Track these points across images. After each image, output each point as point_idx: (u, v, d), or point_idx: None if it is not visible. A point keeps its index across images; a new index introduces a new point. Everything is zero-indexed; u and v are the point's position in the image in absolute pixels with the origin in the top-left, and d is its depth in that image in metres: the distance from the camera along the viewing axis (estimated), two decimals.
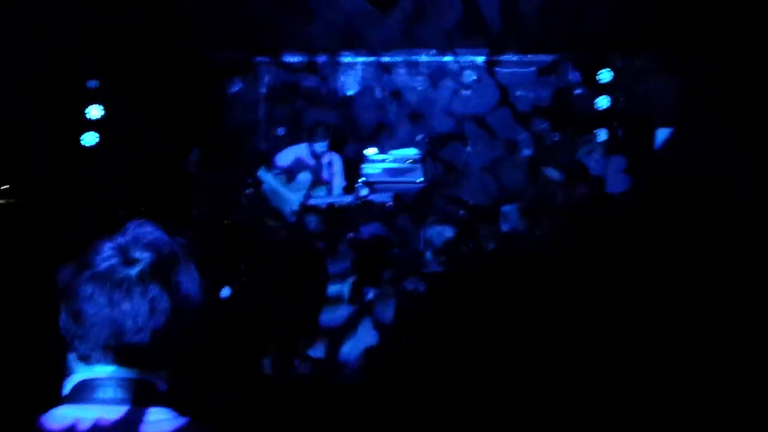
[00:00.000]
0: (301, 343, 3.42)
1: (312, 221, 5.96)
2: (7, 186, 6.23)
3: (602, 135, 7.79)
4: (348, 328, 3.29)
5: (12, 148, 6.07)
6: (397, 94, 8.47)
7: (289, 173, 6.83)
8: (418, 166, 7.80)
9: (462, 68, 8.20)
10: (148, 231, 1.52)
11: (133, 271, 1.44)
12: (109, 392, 1.39)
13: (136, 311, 1.41)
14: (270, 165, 7.00)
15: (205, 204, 6.95)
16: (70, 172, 6.69)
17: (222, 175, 7.26)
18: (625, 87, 7.88)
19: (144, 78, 7.42)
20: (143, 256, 1.46)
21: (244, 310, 3.69)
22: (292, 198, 6.70)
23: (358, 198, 6.72)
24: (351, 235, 5.67)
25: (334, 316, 3.62)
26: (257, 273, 4.72)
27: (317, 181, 6.94)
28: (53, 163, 6.56)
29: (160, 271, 1.46)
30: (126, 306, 1.41)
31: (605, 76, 7.98)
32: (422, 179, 7.74)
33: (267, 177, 6.76)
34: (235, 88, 8.41)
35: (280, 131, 7.73)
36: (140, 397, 1.40)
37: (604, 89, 7.97)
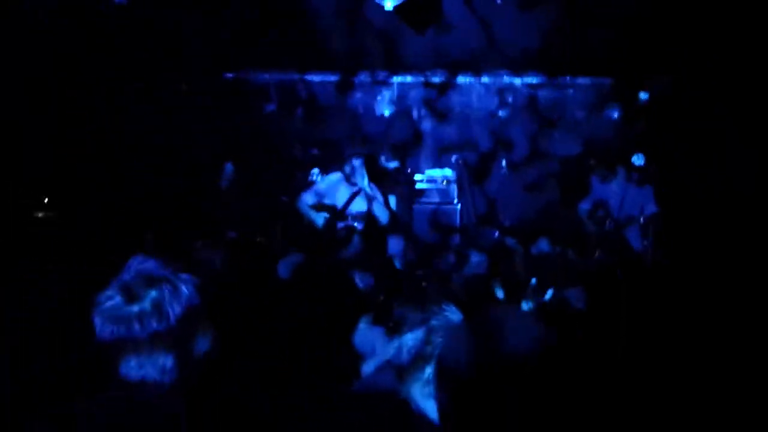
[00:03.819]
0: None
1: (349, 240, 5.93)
2: (46, 199, 6.33)
3: (639, 160, 7.68)
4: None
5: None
6: (432, 114, 8.47)
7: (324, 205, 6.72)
8: (453, 186, 7.78)
9: (499, 90, 8.17)
10: (151, 268, 1.57)
11: (134, 309, 1.49)
12: None
13: (137, 346, 1.47)
14: (306, 188, 6.93)
15: (238, 221, 6.99)
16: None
17: (256, 192, 7.30)
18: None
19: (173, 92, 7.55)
20: (145, 293, 1.51)
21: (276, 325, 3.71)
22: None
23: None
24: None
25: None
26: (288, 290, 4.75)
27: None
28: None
29: (160, 308, 1.51)
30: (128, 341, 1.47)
31: (643, 98, 7.88)
32: (456, 200, 7.72)
33: (303, 209, 6.66)
34: (271, 107, 8.50)
35: (314, 150, 7.77)
36: None
37: (642, 113, 7.88)
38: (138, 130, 7.12)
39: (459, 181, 7.81)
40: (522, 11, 7.19)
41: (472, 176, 7.74)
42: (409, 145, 8.13)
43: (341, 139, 7.78)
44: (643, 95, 7.88)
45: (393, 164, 7.33)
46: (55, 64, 6.30)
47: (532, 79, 8.25)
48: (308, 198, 6.65)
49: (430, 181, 7.85)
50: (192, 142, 7.54)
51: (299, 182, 7.38)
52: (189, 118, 7.64)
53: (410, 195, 7.53)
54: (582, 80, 8.21)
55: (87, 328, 1.62)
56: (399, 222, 6.90)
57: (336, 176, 6.73)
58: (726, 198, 6.12)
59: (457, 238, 7.37)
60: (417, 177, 7.90)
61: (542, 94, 8.27)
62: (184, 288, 1.57)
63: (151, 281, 1.53)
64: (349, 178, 6.62)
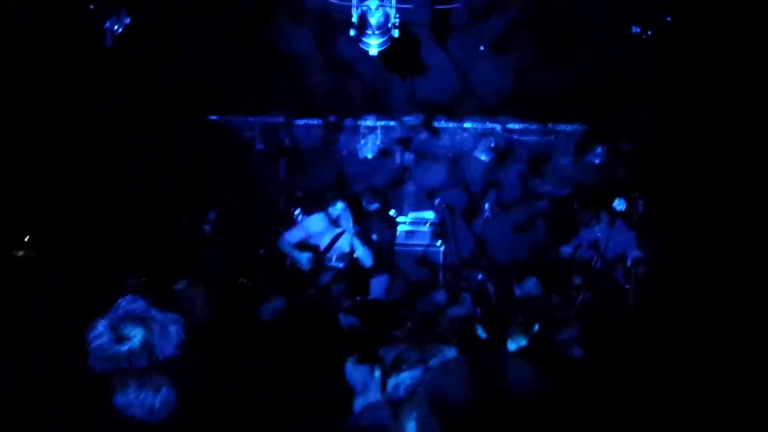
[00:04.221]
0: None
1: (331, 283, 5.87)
2: (28, 237, 6.23)
3: (621, 205, 7.76)
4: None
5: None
6: (415, 158, 8.53)
7: (307, 244, 6.65)
8: (436, 229, 7.79)
9: (481, 134, 8.25)
10: (139, 308, 1.56)
11: (123, 348, 1.48)
12: None
13: (125, 386, 1.46)
14: (288, 228, 6.90)
15: (220, 262, 6.93)
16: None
17: (239, 234, 7.26)
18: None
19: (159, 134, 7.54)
20: (133, 332, 1.50)
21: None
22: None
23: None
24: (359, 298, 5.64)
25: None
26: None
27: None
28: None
29: (149, 348, 1.50)
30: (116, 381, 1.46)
31: (625, 146, 7.98)
32: (440, 242, 7.72)
33: (286, 248, 6.61)
34: (256, 149, 8.52)
35: (298, 193, 7.77)
36: None
37: (624, 158, 7.97)
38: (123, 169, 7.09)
39: (442, 223, 7.82)
40: (504, 58, 7.32)
41: (454, 219, 7.76)
42: (391, 188, 8.16)
43: (325, 181, 7.80)
44: (624, 143, 7.99)
45: (375, 207, 7.34)
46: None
47: (514, 125, 8.34)
48: (291, 237, 6.61)
49: (413, 223, 7.86)
50: (176, 183, 7.52)
51: (282, 222, 7.35)
52: (174, 160, 7.63)
53: (392, 237, 7.51)
54: (564, 126, 8.31)
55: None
56: (382, 264, 6.87)
57: (319, 217, 6.72)
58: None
59: (440, 280, 7.36)
60: (400, 219, 7.91)
61: (524, 139, 8.36)
62: (172, 328, 1.57)
63: (140, 321, 1.53)
64: (332, 220, 6.61)
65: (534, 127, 8.39)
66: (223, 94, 7.93)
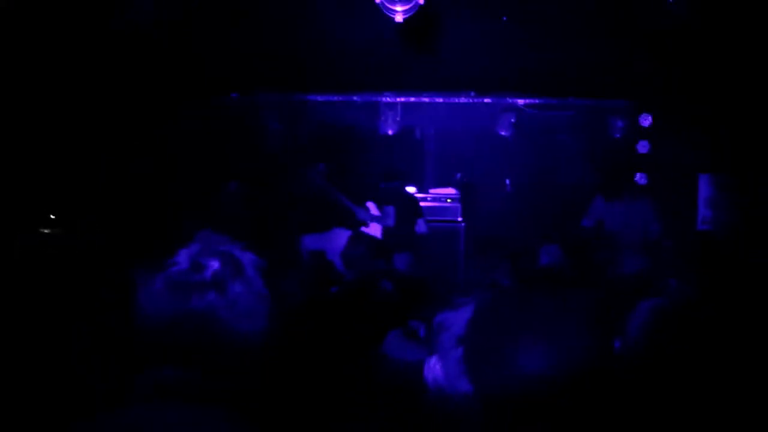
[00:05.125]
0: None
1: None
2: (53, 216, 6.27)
3: (642, 180, 7.76)
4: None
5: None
6: (435, 134, 8.49)
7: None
8: (457, 205, 7.79)
9: (502, 110, 8.19)
10: (218, 241, 1.55)
11: (196, 277, 1.47)
12: None
13: (192, 313, 1.45)
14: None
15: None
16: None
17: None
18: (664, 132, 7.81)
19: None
20: (210, 263, 1.49)
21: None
22: None
23: None
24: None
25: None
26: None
27: None
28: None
29: (220, 280, 1.48)
30: (184, 307, 1.44)
31: (646, 120, 7.94)
32: (461, 219, 7.72)
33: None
34: (276, 125, 8.49)
35: (321, 166, 7.70)
36: None
37: (644, 134, 7.94)
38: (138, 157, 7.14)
39: (463, 199, 7.82)
40: (525, 31, 7.22)
41: (475, 195, 7.74)
42: (413, 165, 8.14)
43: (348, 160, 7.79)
44: (645, 116, 7.95)
45: (396, 183, 7.30)
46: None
47: (535, 100, 8.30)
48: (310, 243, 6.52)
49: (434, 199, 7.85)
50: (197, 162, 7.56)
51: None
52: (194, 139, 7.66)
53: (414, 214, 7.47)
54: (586, 101, 8.26)
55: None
56: (404, 241, 6.84)
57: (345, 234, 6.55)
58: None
59: (461, 256, 7.37)
60: (422, 196, 7.88)
61: (545, 114, 8.32)
62: (247, 267, 1.54)
63: (217, 254, 1.51)
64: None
65: (555, 101, 8.35)
66: (240, 70, 7.86)
